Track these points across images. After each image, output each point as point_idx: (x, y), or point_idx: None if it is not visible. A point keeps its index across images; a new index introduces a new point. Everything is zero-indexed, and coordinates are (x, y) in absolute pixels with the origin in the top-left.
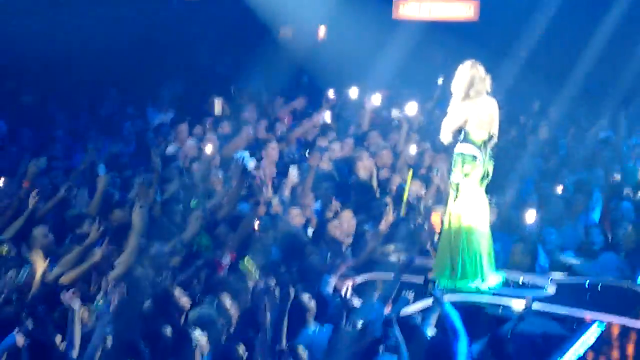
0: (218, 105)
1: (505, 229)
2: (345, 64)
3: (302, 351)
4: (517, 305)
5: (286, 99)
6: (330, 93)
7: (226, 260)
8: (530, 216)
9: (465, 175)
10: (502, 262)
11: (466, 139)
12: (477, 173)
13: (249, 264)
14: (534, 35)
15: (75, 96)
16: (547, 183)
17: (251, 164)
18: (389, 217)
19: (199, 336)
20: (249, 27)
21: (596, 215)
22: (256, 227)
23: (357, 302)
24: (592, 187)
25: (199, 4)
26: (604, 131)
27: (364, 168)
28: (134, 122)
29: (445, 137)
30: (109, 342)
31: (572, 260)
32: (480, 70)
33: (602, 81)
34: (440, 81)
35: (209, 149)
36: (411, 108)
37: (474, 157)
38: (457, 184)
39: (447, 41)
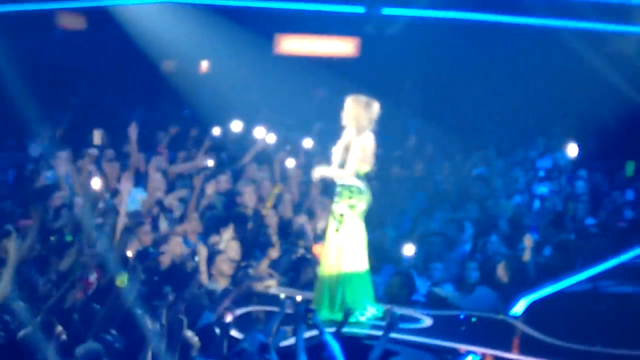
0: (98, 137)
1: (384, 262)
2: (228, 98)
3: None
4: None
5: (166, 132)
6: (215, 130)
7: (92, 277)
8: (409, 250)
9: (351, 207)
10: (380, 294)
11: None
12: (361, 205)
13: (123, 279)
14: (411, 72)
15: None
16: (424, 217)
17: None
18: (272, 254)
19: None
20: (132, 59)
21: (468, 249)
22: (130, 255)
23: (237, 334)
24: (464, 222)
25: (82, 36)
26: (477, 167)
27: (249, 200)
28: (12, 154)
29: (351, 169)
30: None
31: (448, 293)
32: (367, 105)
33: (476, 117)
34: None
35: (95, 183)
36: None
37: (360, 190)
38: (342, 215)
39: (328, 77)
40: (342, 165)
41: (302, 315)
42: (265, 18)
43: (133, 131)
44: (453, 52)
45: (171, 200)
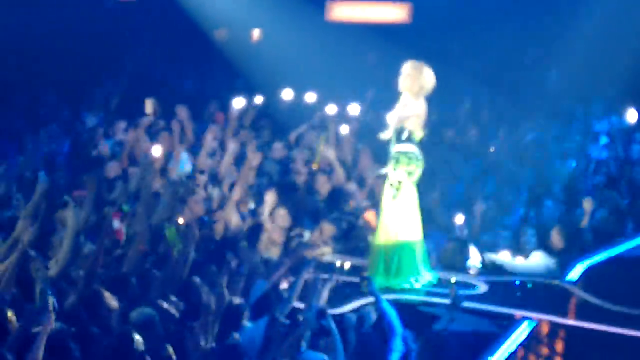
0: (150, 106)
1: (437, 229)
2: (281, 66)
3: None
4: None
5: (220, 102)
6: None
7: (117, 224)
8: (459, 219)
9: (409, 174)
10: (435, 261)
11: (410, 139)
12: (418, 172)
13: (172, 233)
14: (464, 38)
15: (11, 97)
16: (478, 184)
17: (188, 166)
18: (326, 228)
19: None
20: (183, 29)
21: (523, 214)
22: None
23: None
24: (520, 187)
25: (133, 5)
26: (532, 132)
27: (302, 167)
28: (67, 123)
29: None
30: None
31: (503, 259)
32: (427, 71)
33: (531, 83)
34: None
35: (157, 151)
36: (353, 108)
37: (417, 156)
38: (400, 183)
39: (380, 43)
40: (399, 131)
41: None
42: None
43: (182, 111)
44: (505, 16)
45: (226, 167)
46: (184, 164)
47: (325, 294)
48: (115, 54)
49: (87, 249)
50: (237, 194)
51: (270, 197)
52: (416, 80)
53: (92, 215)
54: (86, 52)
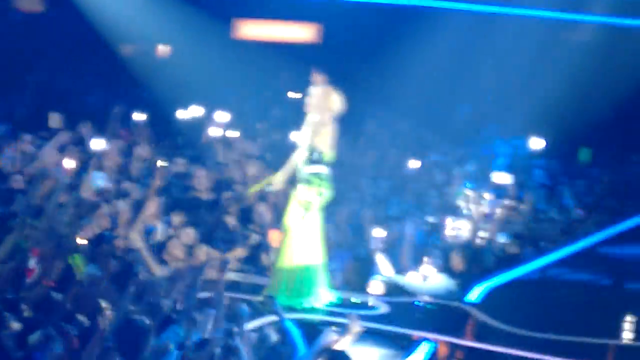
0: (55, 120)
1: (342, 249)
2: (187, 82)
3: None
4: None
5: (124, 115)
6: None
7: (32, 263)
8: (378, 233)
9: (320, 194)
10: (337, 280)
11: (320, 160)
12: (328, 193)
13: (77, 260)
14: (371, 59)
15: None
16: (382, 204)
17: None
18: (238, 252)
19: None
20: (90, 42)
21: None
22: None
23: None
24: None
25: (38, 18)
26: (434, 155)
27: (201, 184)
28: None
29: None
30: None
31: (404, 280)
32: (334, 94)
33: (432, 103)
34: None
35: (69, 164)
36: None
37: (329, 178)
38: (309, 203)
39: (289, 62)
40: (310, 151)
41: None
42: (224, 1)
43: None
44: (411, 37)
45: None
46: (97, 180)
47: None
48: (19, 66)
49: None
50: (151, 209)
51: (177, 218)
52: (324, 103)
53: None
54: None
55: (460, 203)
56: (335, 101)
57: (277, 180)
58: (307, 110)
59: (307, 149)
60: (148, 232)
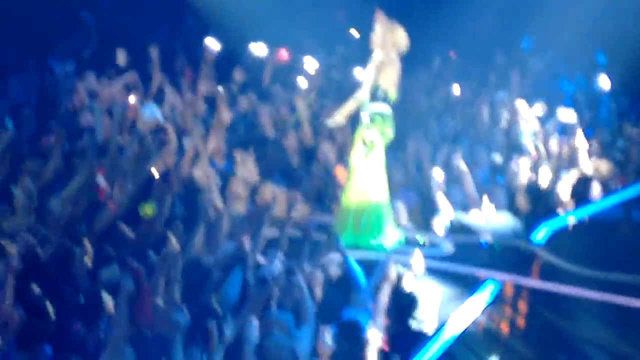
0: (121, 57)
1: (407, 187)
2: (252, 20)
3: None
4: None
5: (189, 54)
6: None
7: (101, 181)
8: (437, 174)
9: (382, 134)
10: (404, 218)
11: (385, 98)
12: (390, 132)
13: (149, 209)
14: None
15: None
16: (448, 143)
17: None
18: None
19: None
20: None
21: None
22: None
23: (262, 259)
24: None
25: None
26: (500, 93)
27: (267, 122)
28: (36, 73)
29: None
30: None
31: (470, 219)
32: (398, 29)
33: (503, 45)
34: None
35: (132, 99)
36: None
37: (391, 116)
38: (372, 142)
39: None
40: (374, 88)
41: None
42: None
43: (154, 52)
44: None
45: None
46: (152, 113)
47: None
48: (84, 4)
49: (54, 202)
50: (212, 146)
51: (239, 156)
52: (388, 39)
53: (59, 166)
54: (50, 4)
55: (526, 142)
56: (400, 38)
57: (338, 116)
58: (372, 47)
59: (370, 87)
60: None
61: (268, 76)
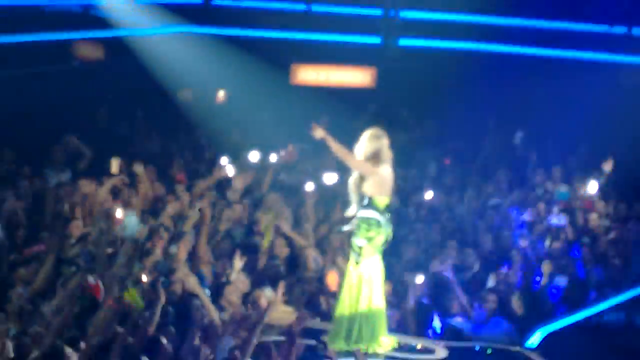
0: (115, 165)
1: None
2: (245, 127)
3: None
4: None
5: (184, 161)
6: (223, 160)
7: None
8: (419, 280)
9: (369, 240)
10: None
11: (370, 205)
12: (380, 238)
13: (133, 294)
14: (426, 103)
15: None
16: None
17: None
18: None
19: None
20: (148, 89)
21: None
22: (144, 280)
23: None
24: (480, 253)
25: (98, 66)
26: (492, 198)
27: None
28: (31, 181)
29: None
30: None
31: (463, 324)
32: (385, 138)
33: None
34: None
35: (119, 213)
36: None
37: (378, 222)
38: (361, 248)
39: (343, 108)
40: (361, 199)
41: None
42: (281, 48)
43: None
44: (468, 82)
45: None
46: (133, 227)
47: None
48: (79, 114)
49: (47, 307)
50: (182, 253)
51: (238, 262)
52: (371, 147)
53: (52, 275)
54: (48, 110)
55: (518, 246)
56: (384, 146)
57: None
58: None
59: (356, 195)
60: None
61: (268, 182)
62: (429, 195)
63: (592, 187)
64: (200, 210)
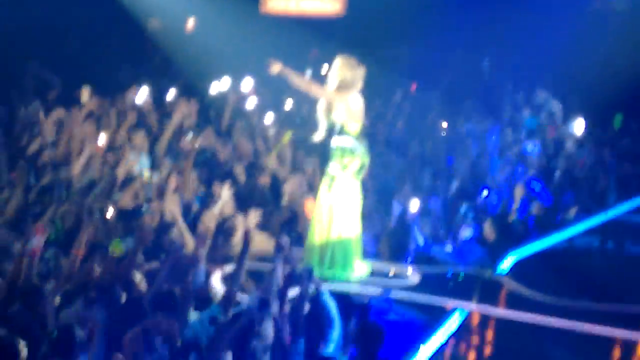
0: (85, 94)
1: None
2: (214, 56)
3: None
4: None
5: (154, 91)
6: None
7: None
8: (414, 205)
9: (344, 167)
10: (370, 251)
11: (342, 132)
12: (354, 165)
13: (118, 246)
14: (396, 33)
15: None
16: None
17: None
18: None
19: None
20: (117, 18)
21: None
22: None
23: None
24: (453, 179)
25: None
26: (467, 125)
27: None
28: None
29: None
30: None
31: (436, 250)
32: (353, 65)
33: (458, 75)
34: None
35: (101, 140)
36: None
37: (352, 150)
38: (333, 176)
39: (314, 36)
40: (330, 126)
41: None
42: None
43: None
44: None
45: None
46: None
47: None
48: (50, 42)
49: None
50: (172, 182)
51: (226, 192)
52: (344, 75)
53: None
54: (18, 40)
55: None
56: (356, 73)
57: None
58: (328, 83)
59: (327, 125)
60: (184, 206)
61: (229, 112)
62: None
63: (579, 125)
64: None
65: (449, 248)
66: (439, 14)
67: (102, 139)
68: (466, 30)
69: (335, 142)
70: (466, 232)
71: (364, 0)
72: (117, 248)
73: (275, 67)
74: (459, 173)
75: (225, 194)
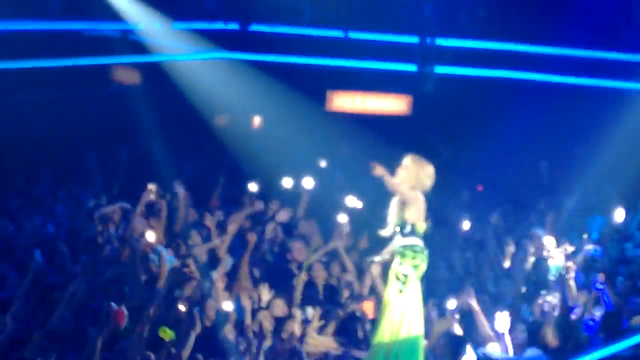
0: (152, 191)
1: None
2: (280, 153)
3: None
4: None
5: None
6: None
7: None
8: (451, 304)
9: (415, 267)
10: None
11: (413, 232)
12: (423, 266)
13: (166, 333)
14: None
15: (10, 177)
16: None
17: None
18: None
19: None
20: (184, 114)
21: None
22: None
23: None
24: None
25: (135, 90)
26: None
27: (299, 256)
28: (67, 204)
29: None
30: None
31: (497, 354)
32: (424, 165)
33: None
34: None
35: (150, 236)
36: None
37: (422, 249)
38: (406, 276)
39: (379, 133)
40: (401, 225)
41: None
42: (317, 74)
43: (179, 188)
44: (506, 110)
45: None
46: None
47: None
48: (115, 138)
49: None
50: (221, 281)
51: (265, 292)
52: (414, 174)
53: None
54: (86, 134)
55: (554, 276)
56: (425, 174)
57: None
58: (401, 182)
59: (397, 223)
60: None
61: (303, 208)
62: (466, 225)
63: (619, 215)
64: (247, 235)
65: (511, 353)
66: (503, 113)
67: (151, 236)
68: (525, 135)
69: (406, 241)
70: (523, 336)
71: (430, 101)
72: (167, 334)
73: (379, 170)
74: (519, 275)
75: (264, 295)
